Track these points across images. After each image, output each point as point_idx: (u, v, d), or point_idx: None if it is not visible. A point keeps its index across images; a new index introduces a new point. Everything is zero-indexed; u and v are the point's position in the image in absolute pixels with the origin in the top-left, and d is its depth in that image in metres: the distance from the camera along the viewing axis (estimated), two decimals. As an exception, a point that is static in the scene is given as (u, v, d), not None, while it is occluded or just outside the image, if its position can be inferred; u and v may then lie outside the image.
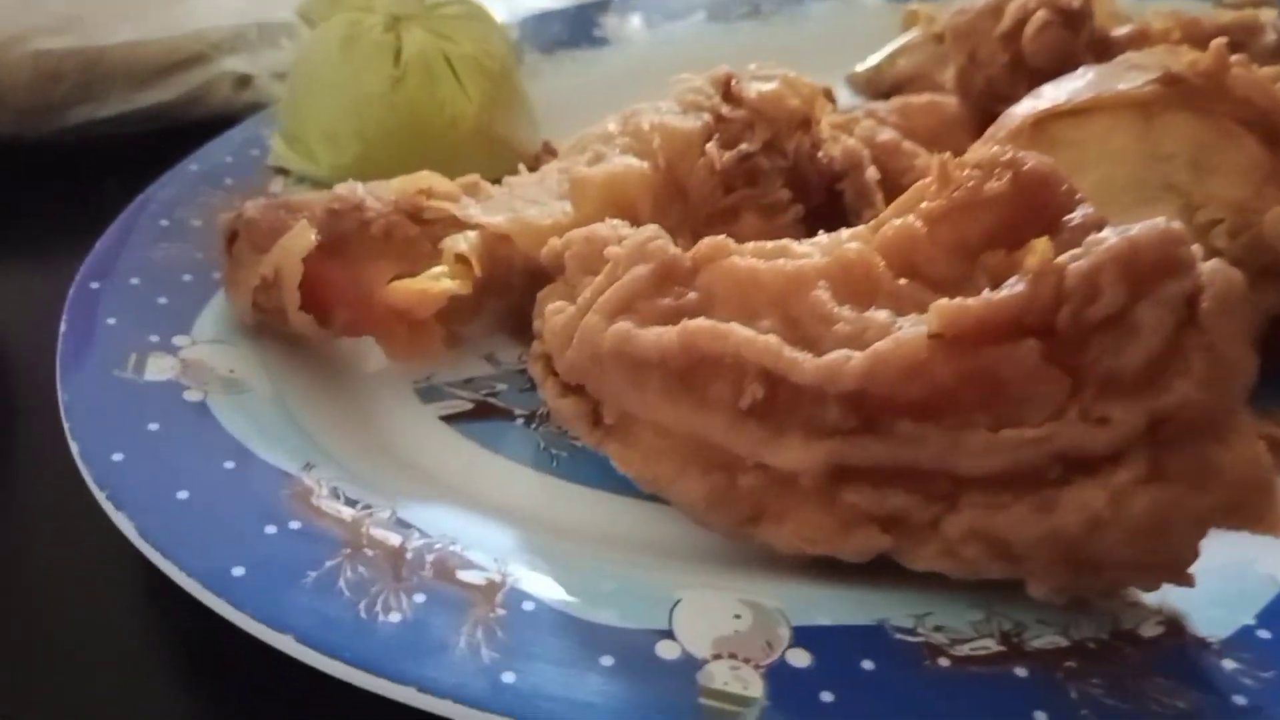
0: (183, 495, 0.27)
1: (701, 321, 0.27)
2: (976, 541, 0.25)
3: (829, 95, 0.55)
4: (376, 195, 0.34)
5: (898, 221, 0.28)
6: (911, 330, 0.25)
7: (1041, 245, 0.26)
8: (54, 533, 0.32)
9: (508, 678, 0.23)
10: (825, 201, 0.38)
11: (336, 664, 0.23)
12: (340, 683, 0.23)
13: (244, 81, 0.52)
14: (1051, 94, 0.41)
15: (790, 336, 0.27)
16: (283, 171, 0.43)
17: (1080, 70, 0.42)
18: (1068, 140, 0.39)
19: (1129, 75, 0.40)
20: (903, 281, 0.27)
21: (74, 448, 0.28)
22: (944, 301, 0.25)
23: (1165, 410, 0.23)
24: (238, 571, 0.25)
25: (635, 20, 0.58)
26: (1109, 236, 0.25)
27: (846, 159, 0.38)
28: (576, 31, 0.56)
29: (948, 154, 0.28)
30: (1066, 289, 0.24)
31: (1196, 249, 0.25)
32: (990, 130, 0.42)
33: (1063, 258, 0.25)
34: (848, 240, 0.29)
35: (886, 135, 0.41)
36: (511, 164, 0.44)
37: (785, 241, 0.29)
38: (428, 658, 0.23)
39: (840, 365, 0.25)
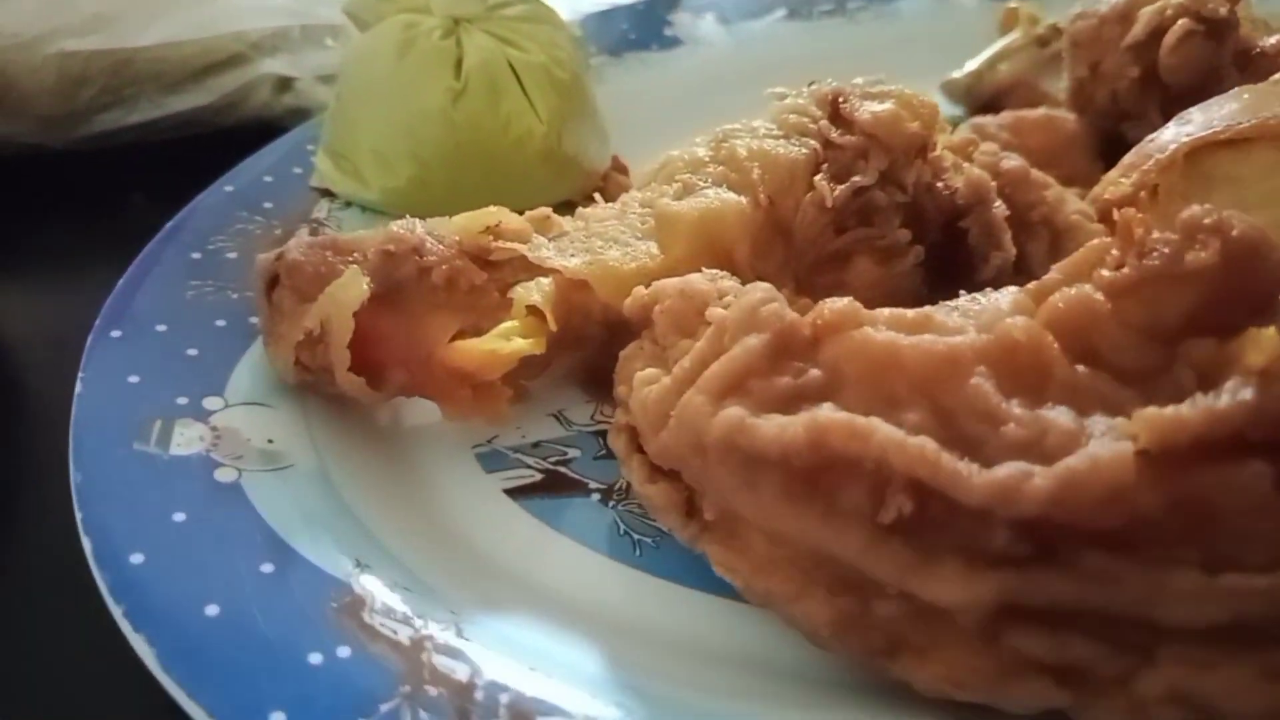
0: (212, 611, 0.23)
1: (836, 414, 0.22)
2: (1178, 706, 0.20)
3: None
4: (437, 236, 0.30)
5: (1071, 292, 0.23)
6: (1114, 447, 0.20)
7: (1268, 338, 0.21)
8: (60, 619, 0.27)
9: None
10: (944, 241, 0.33)
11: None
12: None
13: (285, 85, 0.48)
14: (1202, 119, 0.36)
15: (944, 436, 0.22)
16: (328, 194, 0.38)
17: (1232, 91, 0.37)
18: (1227, 176, 0.34)
19: (1292, 99, 0.35)
20: (1082, 369, 0.22)
21: (86, 545, 0.24)
22: (1154, 411, 0.20)
23: None
24: (278, 718, 0.20)
25: (709, 18, 0.53)
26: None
27: (972, 192, 0.33)
28: (646, 31, 0.52)
29: (1131, 211, 0.23)
30: (1313, 399, 0.19)
31: None
32: (1129, 159, 0.36)
33: (1305, 357, 0.20)
34: (1009, 312, 0.24)
35: (1013, 162, 0.36)
36: (580, 185, 0.40)
37: (928, 311, 0.25)
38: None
39: (1020, 484, 0.20)
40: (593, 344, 0.31)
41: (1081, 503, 0.20)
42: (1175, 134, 0.35)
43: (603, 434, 0.31)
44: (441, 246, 0.30)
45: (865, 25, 0.55)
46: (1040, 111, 0.44)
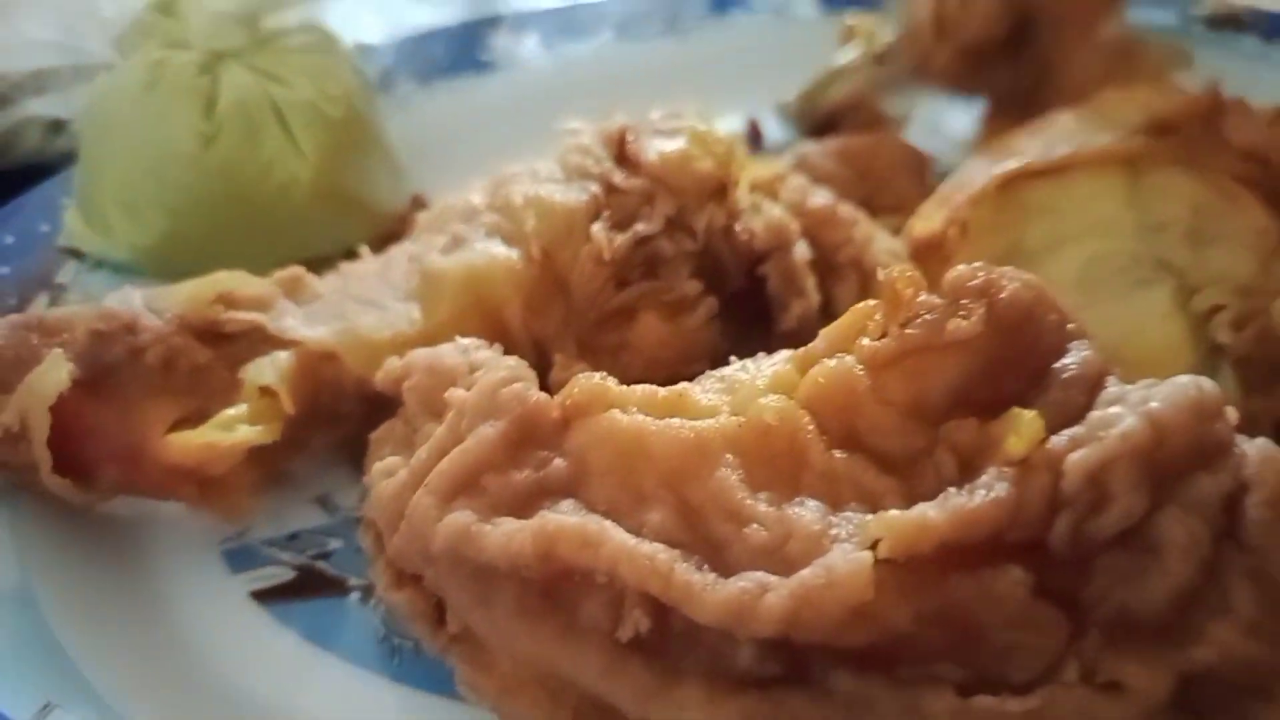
0: None
1: (566, 520, 0.20)
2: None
3: (755, 132, 0.48)
4: (157, 309, 0.26)
5: (832, 363, 0.21)
6: (852, 558, 0.17)
7: (1028, 422, 0.18)
8: None
9: None
10: (744, 289, 0.31)
11: None
12: None
13: (57, 127, 0.43)
14: (1024, 146, 0.34)
15: (688, 538, 0.20)
16: (76, 253, 0.34)
17: (1053, 116, 0.35)
18: (1044, 206, 0.33)
19: (1112, 123, 0.33)
20: (839, 455, 0.20)
21: None
22: (895, 514, 0.17)
23: (1199, 666, 0.17)
24: None
25: (531, 40, 0.50)
26: (1122, 415, 0.17)
27: (771, 236, 0.31)
28: (460, 55, 0.49)
29: (900, 268, 0.21)
30: (1065, 492, 0.17)
31: (1232, 417, 0.18)
32: (943, 189, 0.35)
33: (1058, 443, 0.18)
34: (766, 389, 0.21)
35: (819, 200, 0.33)
36: (368, 228, 0.37)
37: (684, 388, 0.22)
38: None
39: (754, 602, 0.18)
40: (352, 421, 0.28)
41: (818, 622, 0.17)
42: (988, 169, 0.34)
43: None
44: (160, 322, 0.26)
45: (698, 44, 0.53)
46: (866, 137, 0.43)
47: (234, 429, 0.25)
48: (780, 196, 0.34)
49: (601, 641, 0.19)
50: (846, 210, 0.34)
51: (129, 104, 0.34)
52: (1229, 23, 0.55)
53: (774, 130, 0.50)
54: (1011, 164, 0.33)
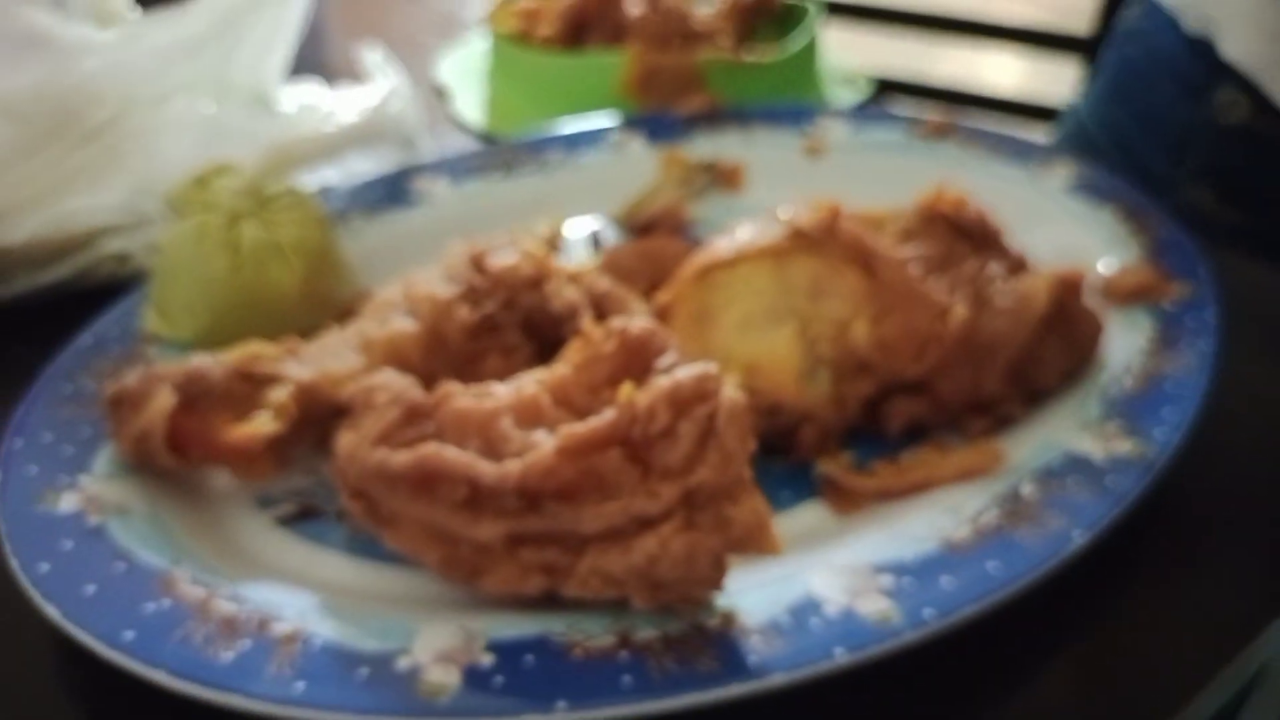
0: (89, 590, 0.41)
1: (429, 446, 0.42)
2: (596, 576, 0.40)
3: (595, 238, 0.71)
4: (219, 362, 0.49)
5: (559, 369, 0.43)
6: (546, 446, 0.40)
7: (625, 387, 0.41)
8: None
9: (299, 686, 0.37)
10: (556, 340, 0.54)
11: (192, 686, 0.37)
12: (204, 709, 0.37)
13: (124, 258, 0.65)
14: (721, 246, 0.58)
15: (486, 452, 0.42)
16: (155, 337, 0.56)
17: (741, 229, 0.58)
18: (722, 283, 0.55)
19: (772, 229, 0.56)
20: (558, 411, 0.42)
21: (13, 563, 0.42)
22: (565, 427, 0.40)
23: (694, 485, 0.39)
24: (129, 634, 0.38)
25: (442, 181, 0.73)
26: (663, 380, 0.40)
27: (566, 309, 0.53)
28: (393, 194, 0.71)
29: (590, 324, 0.44)
30: (638, 415, 0.40)
31: (726, 382, 0.41)
32: (679, 273, 0.58)
33: (637, 394, 0.40)
34: (531, 383, 0.44)
35: (603, 285, 0.56)
36: (331, 314, 0.59)
37: (491, 384, 0.44)
38: (250, 679, 0.37)
39: (506, 471, 0.40)
40: (328, 423, 0.50)
41: (533, 476, 0.39)
42: (696, 262, 0.57)
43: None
44: (220, 370, 0.48)
45: (559, 174, 0.74)
46: (658, 239, 0.65)
47: (263, 426, 0.47)
48: (582, 284, 0.57)
49: (447, 505, 0.41)
50: (618, 292, 0.57)
51: (186, 250, 0.56)
52: (938, 132, 0.79)
53: (610, 235, 0.73)
54: (705, 258, 0.56)
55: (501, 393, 0.44)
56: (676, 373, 0.40)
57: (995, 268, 0.55)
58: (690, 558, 0.38)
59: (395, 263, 0.64)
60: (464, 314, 0.51)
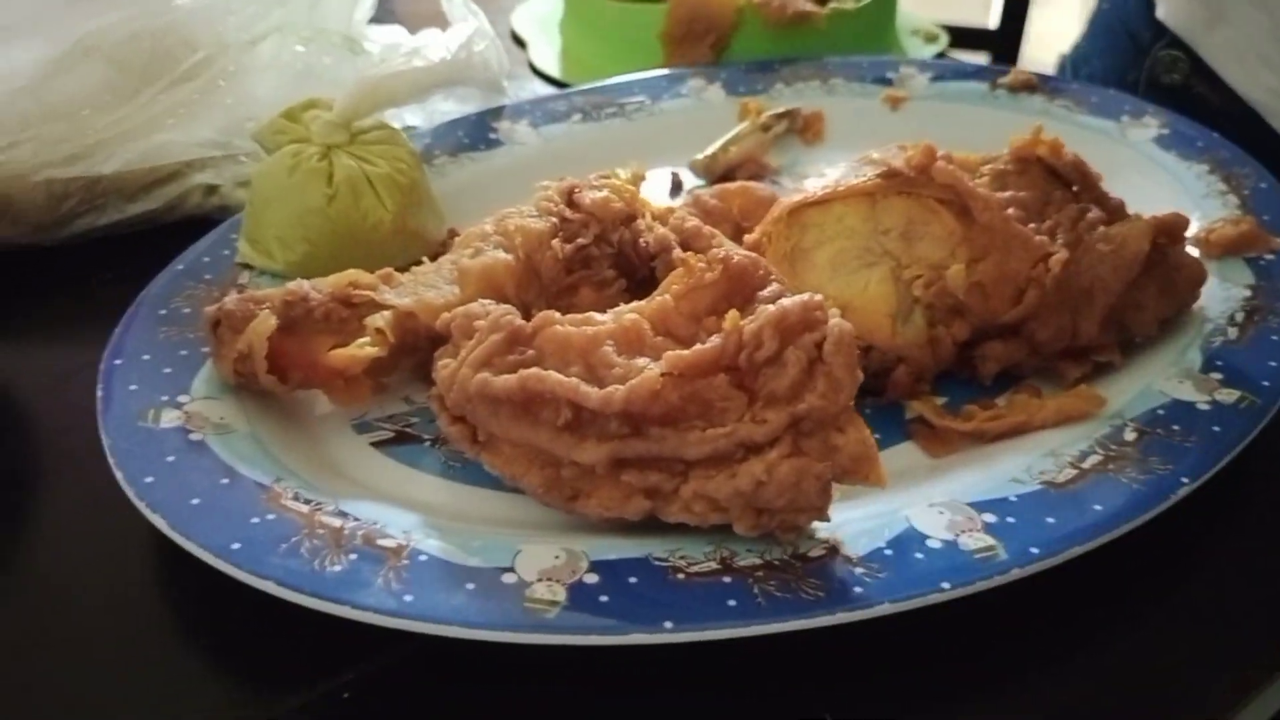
0: (195, 501, 0.41)
1: (532, 370, 0.42)
2: (700, 500, 0.40)
3: (676, 182, 0.70)
4: (317, 288, 0.49)
5: (659, 298, 0.43)
6: (651, 372, 0.40)
7: (732, 314, 0.41)
8: (87, 540, 0.45)
9: (408, 598, 0.37)
10: (647, 276, 0.53)
11: (301, 596, 0.37)
12: (308, 617, 0.37)
13: (212, 190, 0.66)
14: (810, 185, 0.57)
15: (588, 378, 0.42)
16: (247, 266, 0.57)
17: (834, 168, 0.58)
18: (814, 223, 0.54)
19: (865, 170, 0.55)
20: (659, 339, 0.42)
21: (118, 474, 0.42)
22: (670, 352, 0.40)
23: (801, 413, 0.39)
24: (235, 545, 0.39)
25: (524, 124, 0.73)
26: (770, 307, 0.40)
27: (658, 244, 0.53)
28: (476, 136, 0.71)
29: (691, 254, 0.44)
30: (744, 341, 0.39)
31: (832, 311, 0.40)
32: (770, 213, 0.57)
33: (743, 321, 0.40)
34: (629, 312, 0.44)
35: (692, 223, 0.56)
36: (423, 251, 0.59)
37: (590, 314, 0.44)
38: (358, 590, 0.38)
39: (611, 395, 0.40)
40: (423, 352, 0.50)
41: (638, 400, 0.39)
42: (788, 201, 0.56)
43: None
44: (320, 295, 0.49)
45: (639, 121, 0.74)
46: (739, 183, 0.65)
47: (362, 350, 0.48)
48: (668, 222, 0.57)
49: (550, 427, 0.41)
50: (707, 229, 0.56)
51: (280, 179, 0.57)
52: (1024, 87, 0.77)
53: (690, 180, 0.73)
54: (796, 197, 0.55)
55: (601, 320, 0.44)
56: (782, 301, 0.40)
57: (1093, 213, 0.53)
58: (797, 483, 0.38)
59: (480, 203, 0.64)
60: (558, 246, 0.51)
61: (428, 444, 0.49)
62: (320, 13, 0.69)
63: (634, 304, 0.45)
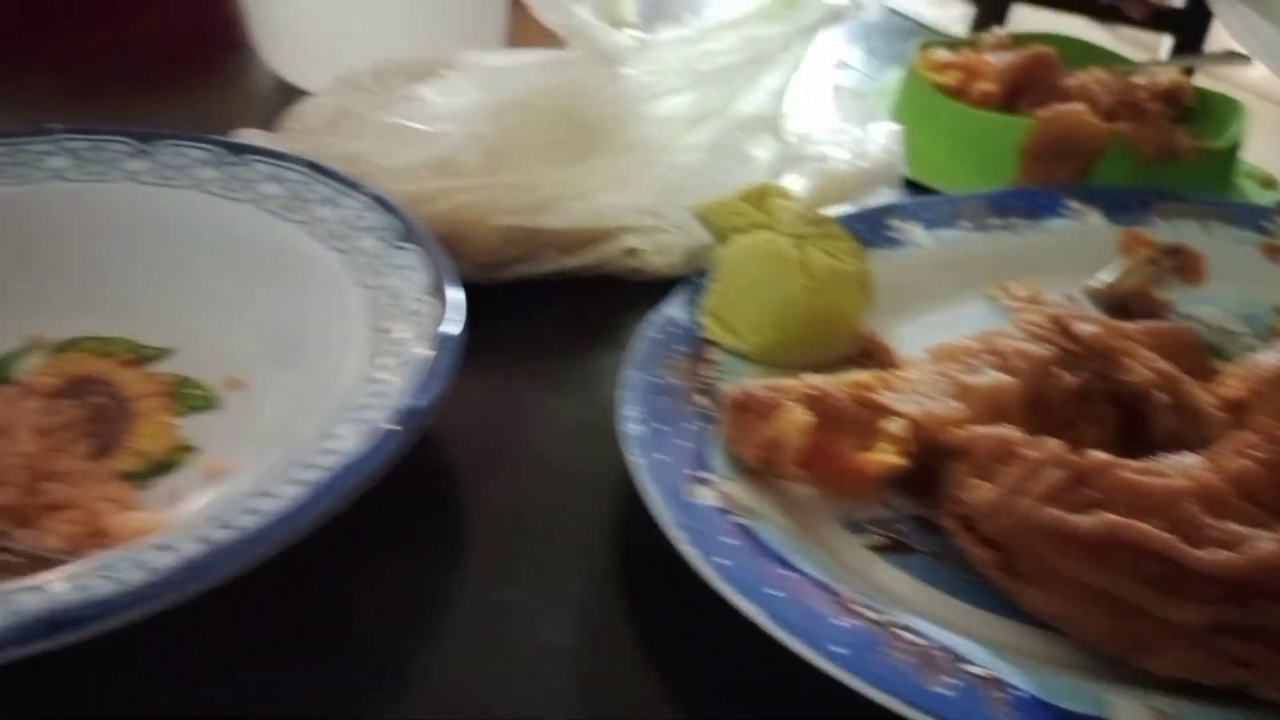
0: (774, 592, 0.42)
1: (1120, 518, 0.42)
2: (1307, 682, 0.39)
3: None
4: (838, 386, 0.50)
5: (1241, 462, 0.43)
6: (1273, 542, 0.39)
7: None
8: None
9: (1023, 735, 0.37)
10: (1132, 414, 0.53)
11: (916, 712, 0.37)
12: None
13: (631, 252, 0.68)
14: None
15: (1169, 532, 0.42)
16: (713, 343, 0.58)
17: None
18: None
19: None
20: (1247, 505, 0.42)
21: (688, 550, 0.43)
22: (1284, 526, 0.40)
23: None
24: (837, 649, 0.39)
25: (917, 225, 0.73)
26: None
27: (1144, 385, 0.53)
28: (873, 233, 0.72)
29: (1260, 418, 0.44)
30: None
31: None
32: (1239, 370, 0.57)
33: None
34: (1199, 469, 0.44)
35: (1165, 366, 0.56)
36: (850, 348, 0.60)
37: (1152, 463, 0.44)
38: (974, 717, 0.38)
39: (1229, 560, 0.39)
40: (914, 462, 0.51)
41: (1259, 573, 0.39)
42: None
43: (916, 518, 0.50)
44: (839, 393, 0.50)
45: (1026, 236, 0.75)
46: (1168, 324, 0.64)
47: (889, 455, 0.48)
48: (1141, 362, 0.56)
49: (1129, 575, 0.41)
50: (1184, 376, 0.56)
51: (754, 265, 0.58)
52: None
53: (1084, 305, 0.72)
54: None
55: (1166, 471, 0.44)
56: None
57: None
58: None
59: (888, 302, 0.64)
60: (1066, 378, 0.51)
61: (927, 557, 0.49)
62: (750, 95, 0.71)
63: (1194, 458, 0.45)
